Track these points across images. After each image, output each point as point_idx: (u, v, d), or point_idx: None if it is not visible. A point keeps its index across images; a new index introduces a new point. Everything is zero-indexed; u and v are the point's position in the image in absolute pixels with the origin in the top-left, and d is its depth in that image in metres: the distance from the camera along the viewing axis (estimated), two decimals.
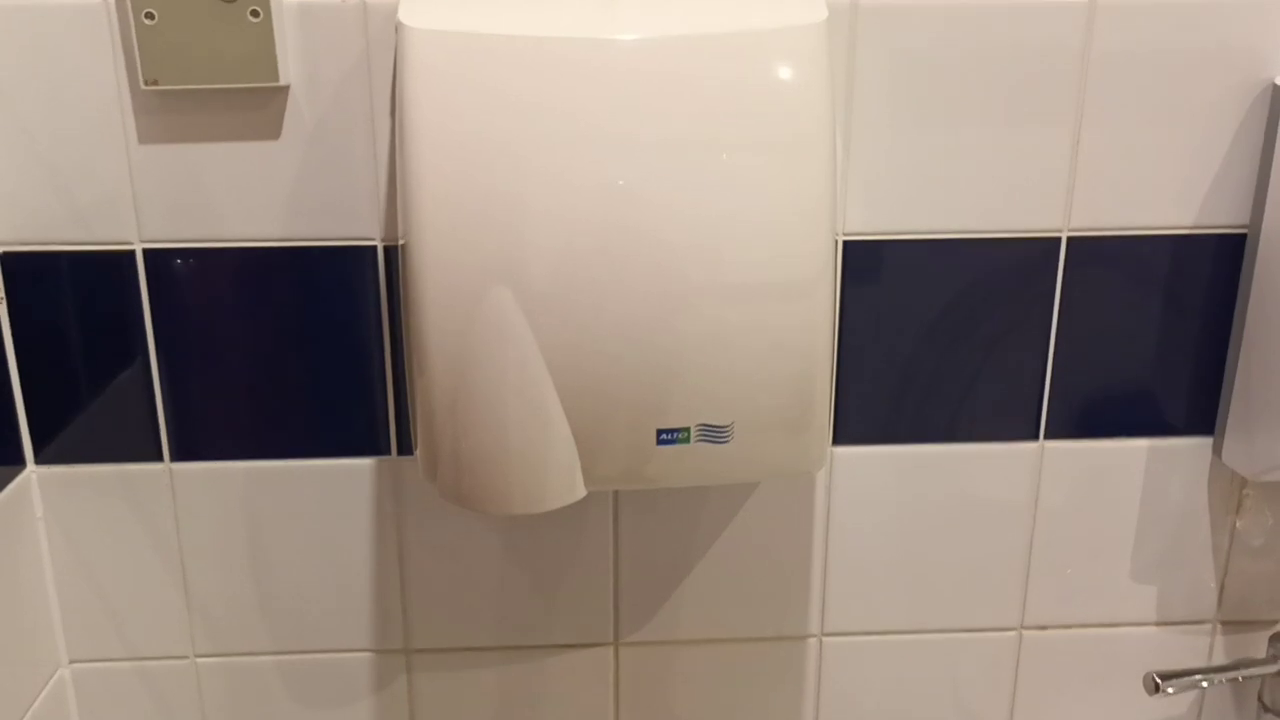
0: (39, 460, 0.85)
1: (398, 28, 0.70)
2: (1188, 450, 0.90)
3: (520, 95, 0.68)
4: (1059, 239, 0.83)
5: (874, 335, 0.85)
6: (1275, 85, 0.80)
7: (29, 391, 0.83)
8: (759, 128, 0.69)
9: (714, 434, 0.71)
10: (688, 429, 0.71)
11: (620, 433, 0.71)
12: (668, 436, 0.71)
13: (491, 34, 0.68)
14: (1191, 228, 0.84)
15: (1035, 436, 0.88)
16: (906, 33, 0.78)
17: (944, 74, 0.79)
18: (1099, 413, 0.88)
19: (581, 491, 0.73)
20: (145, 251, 0.80)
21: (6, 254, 0.79)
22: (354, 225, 0.80)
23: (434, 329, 0.69)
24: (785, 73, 0.69)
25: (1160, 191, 0.83)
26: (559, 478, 0.72)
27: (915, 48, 0.78)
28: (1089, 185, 0.82)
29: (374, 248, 0.81)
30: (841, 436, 0.87)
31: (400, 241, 0.74)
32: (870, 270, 0.83)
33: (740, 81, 0.69)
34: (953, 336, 0.86)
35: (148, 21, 0.73)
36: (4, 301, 0.80)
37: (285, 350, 0.83)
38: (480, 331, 0.69)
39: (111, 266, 0.80)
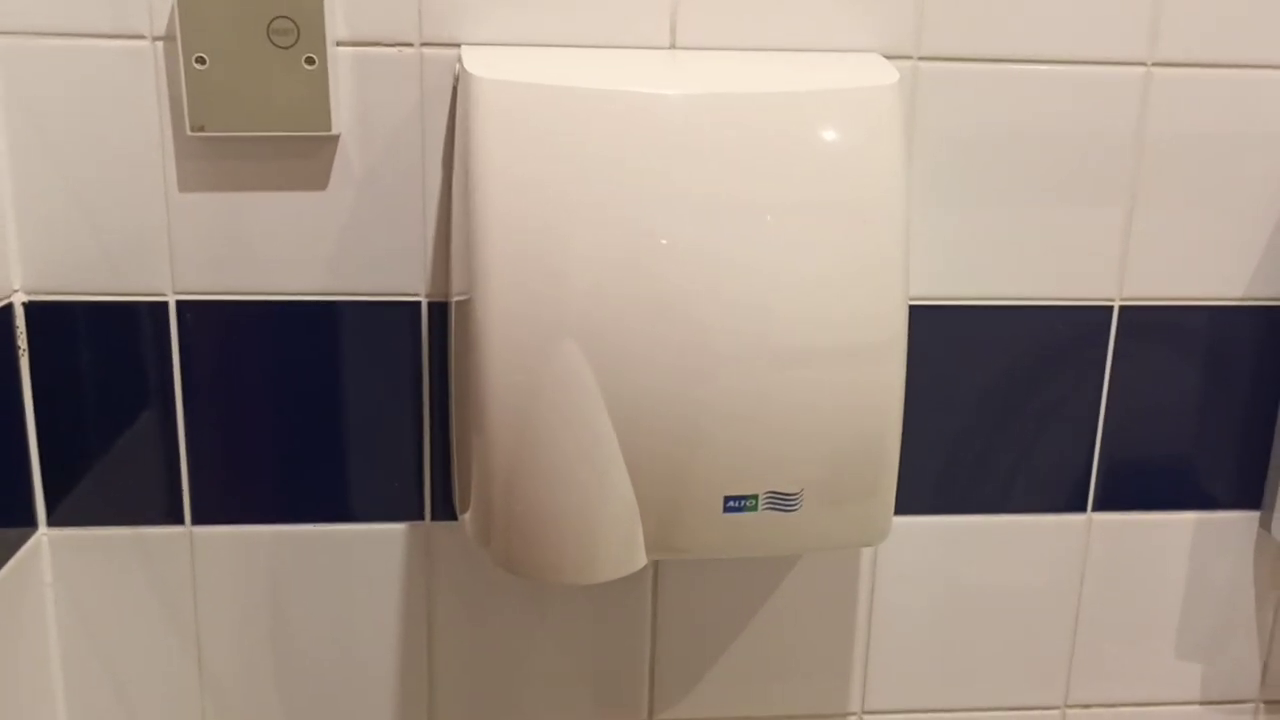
0: (51, 522, 0.80)
1: (465, 78, 0.68)
2: (1235, 524, 0.88)
3: (591, 148, 0.66)
4: (1111, 307, 0.83)
5: (924, 402, 0.83)
6: None
7: (45, 448, 0.78)
8: (835, 188, 0.67)
9: (783, 502, 0.69)
10: (756, 496, 0.68)
11: (686, 499, 0.68)
12: (735, 504, 0.68)
13: (561, 86, 0.66)
14: (1241, 299, 0.83)
15: (1083, 508, 0.87)
16: (965, 100, 0.77)
17: (998, 142, 0.78)
18: (1146, 485, 0.87)
19: (642, 561, 0.70)
20: (178, 303, 0.76)
21: (31, 303, 0.76)
22: (399, 280, 0.77)
23: (498, 385, 0.66)
24: (862, 132, 0.68)
25: (1211, 264, 0.82)
26: (619, 546, 0.69)
27: (973, 116, 0.78)
28: (1141, 256, 0.82)
29: (419, 304, 0.78)
30: None
31: (457, 297, 0.72)
32: (923, 336, 0.82)
33: (818, 140, 0.67)
34: (1003, 404, 0.84)
35: (199, 66, 0.71)
36: (25, 353, 0.76)
37: (320, 408, 0.79)
38: (546, 388, 0.66)
39: (142, 317, 0.76)
